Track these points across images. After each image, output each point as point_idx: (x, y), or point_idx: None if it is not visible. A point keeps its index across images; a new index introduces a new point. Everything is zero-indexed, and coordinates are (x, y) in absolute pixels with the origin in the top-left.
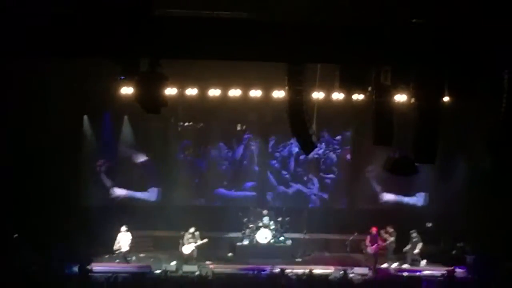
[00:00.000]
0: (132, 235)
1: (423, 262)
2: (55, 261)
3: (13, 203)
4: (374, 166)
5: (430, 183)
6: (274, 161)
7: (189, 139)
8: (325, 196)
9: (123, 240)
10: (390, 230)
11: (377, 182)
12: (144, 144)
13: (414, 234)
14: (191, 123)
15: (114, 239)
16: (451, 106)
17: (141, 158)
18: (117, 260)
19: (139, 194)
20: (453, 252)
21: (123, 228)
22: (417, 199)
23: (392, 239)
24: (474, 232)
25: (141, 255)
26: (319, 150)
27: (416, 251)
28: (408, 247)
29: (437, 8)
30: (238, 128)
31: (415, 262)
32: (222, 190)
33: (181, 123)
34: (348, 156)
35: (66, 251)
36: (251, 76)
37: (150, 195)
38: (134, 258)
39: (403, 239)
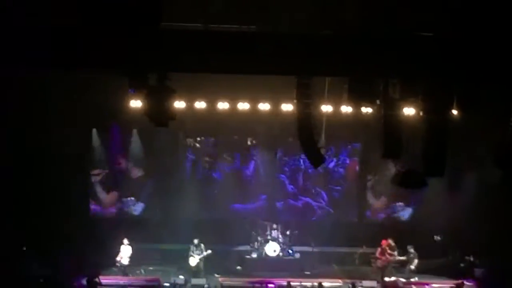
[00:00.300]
0: (140, 248)
1: (416, 278)
2: (62, 272)
3: (20, 214)
4: (381, 178)
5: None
6: (283, 175)
7: (198, 153)
8: (333, 209)
9: (124, 252)
10: (392, 244)
11: (385, 194)
12: (153, 157)
13: (412, 250)
14: (202, 138)
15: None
16: (460, 119)
17: (140, 173)
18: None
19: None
20: (462, 265)
21: (125, 241)
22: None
23: (395, 253)
24: (483, 245)
25: (150, 268)
26: (331, 163)
27: (412, 267)
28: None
29: (445, 20)
30: (249, 142)
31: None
32: (232, 204)
33: (191, 139)
34: (357, 169)
35: (73, 261)
36: (260, 89)
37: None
38: (142, 271)
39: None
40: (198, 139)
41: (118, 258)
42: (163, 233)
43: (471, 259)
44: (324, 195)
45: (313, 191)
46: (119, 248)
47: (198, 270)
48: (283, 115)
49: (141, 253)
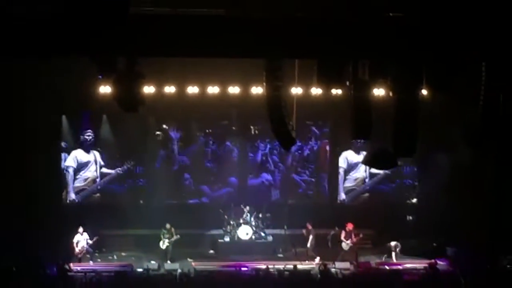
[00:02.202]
0: (112, 234)
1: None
2: (35, 261)
3: None
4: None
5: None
6: (251, 154)
7: (168, 137)
8: (305, 191)
9: (82, 241)
10: (310, 227)
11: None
12: (123, 142)
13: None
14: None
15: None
16: (430, 99)
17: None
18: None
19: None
20: (434, 244)
21: (80, 229)
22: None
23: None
24: (455, 225)
25: (123, 254)
26: (308, 146)
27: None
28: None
29: (413, 1)
30: (252, 132)
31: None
32: (206, 188)
33: (161, 124)
34: (328, 150)
35: (45, 249)
36: (229, 72)
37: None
38: (115, 257)
39: (384, 233)
40: (168, 123)
41: (76, 251)
42: (135, 219)
43: (443, 238)
44: (296, 177)
45: (284, 172)
46: (74, 240)
47: (167, 254)
48: (253, 98)
49: (113, 239)
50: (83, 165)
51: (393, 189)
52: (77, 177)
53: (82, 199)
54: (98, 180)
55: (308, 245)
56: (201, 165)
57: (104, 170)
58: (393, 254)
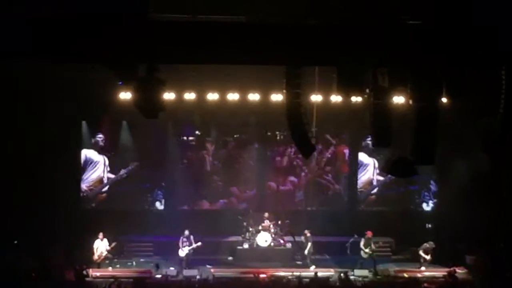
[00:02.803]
0: (131, 240)
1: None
2: (53, 265)
3: (12, 209)
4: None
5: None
6: (278, 158)
7: (188, 144)
8: (326, 198)
9: (101, 247)
10: (308, 234)
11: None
12: (143, 148)
13: (308, 234)
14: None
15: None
16: (449, 107)
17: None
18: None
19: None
20: (453, 253)
21: (100, 235)
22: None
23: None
24: (474, 232)
25: (142, 260)
26: (328, 154)
27: (305, 252)
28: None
29: (433, 9)
30: (278, 137)
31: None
32: (234, 189)
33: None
34: (346, 154)
35: (64, 254)
36: (249, 79)
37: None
38: (134, 263)
39: (403, 240)
40: (189, 129)
41: (95, 257)
42: (155, 225)
43: (462, 246)
44: (319, 179)
45: (308, 175)
46: (94, 245)
47: (186, 261)
48: (273, 105)
49: (132, 245)
50: (91, 165)
51: (400, 194)
52: (84, 177)
53: (91, 196)
54: (105, 181)
55: (306, 252)
56: (222, 171)
57: (110, 175)
58: (426, 257)
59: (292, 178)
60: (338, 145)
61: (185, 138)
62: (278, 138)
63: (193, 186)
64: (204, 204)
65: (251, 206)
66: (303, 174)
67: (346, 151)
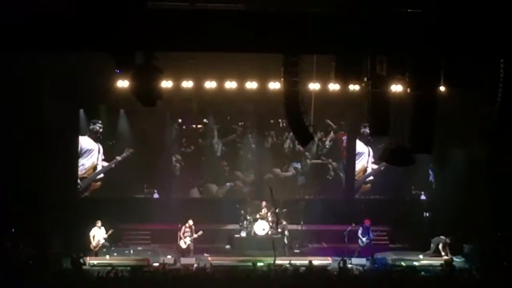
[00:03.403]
0: (129, 228)
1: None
2: (52, 255)
3: (8, 197)
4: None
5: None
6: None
7: (186, 132)
8: (322, 186)
9: (99, 235)
10: (284, 222)
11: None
12: (141, 136)
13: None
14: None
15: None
16: (447, 96)
17: (128, 153)
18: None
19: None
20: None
21: (98, 223)
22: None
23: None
24: (471, 221)
25: (139, 248)
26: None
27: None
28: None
29: None
30: (280, 125)
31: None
32: (239, 173)
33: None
34: (345, 145)
35: (61, 242)
36: (247, 68)
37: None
38: (131, 251)
39: (400, 229)
40: (186, 118)
41: (93, 245)
42: (151, 213)
43: (459, 235)
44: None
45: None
46: (91, 233)
47: (187, 251)
48: (271, 93)
49: (129, 233)
50: (86, 152)
51: (394, 182)
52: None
53: (84, 185)
54: (98, 168)
55: (285, 240)
56: (219, 159)
57: (105, 163)
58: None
59: (295, 164)
60: (337, 132)
61: (193, 126)
62: (281, 125)
63: (201, 171)
64: (213, 187)
65: (255, 189)
66: (305, 159)
67: (345, 138)
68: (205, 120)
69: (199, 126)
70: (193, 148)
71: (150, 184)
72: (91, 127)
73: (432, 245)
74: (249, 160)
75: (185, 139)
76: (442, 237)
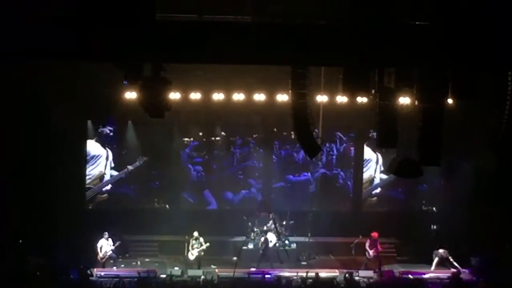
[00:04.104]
0: (136, 240)
1: None
2: (59, 266)
3: (16, 208)
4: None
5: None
6: (296, 155)
7: (193, 143)
8: (329, 198)
9: (106, 247)
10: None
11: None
12: (148, 148)
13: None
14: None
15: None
16: (455, 108)
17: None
18: (114, 267)
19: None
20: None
21: (105, 234)
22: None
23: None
24: (479, 233)
25: (146, 259)
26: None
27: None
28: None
29: (439, 9)
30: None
31: None
32: (228, 194)
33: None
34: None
35: (69, 253)
36: (255, 79)
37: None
38: (138, 263)
39: (408, 241)
40: (194, 129)
41: (100, 256)
42: (159, 224)
43: (467, 247)
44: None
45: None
46: (98, 244)
47: (197, 263)
48: (279, 105)
49: (137, 245)
50: (93, 159)
51: (401, 194)
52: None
53: (89, 196)
54: (105, 178)
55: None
56: (226, 170)
57: (113, 172)
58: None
59: (306, 174)
60: (347, 142)
61: (213, 138)
62: (292, 137)
63: (217, 180)
64: (228, 194)
65: (266, 198)
66: (315, 169)
67: (352, 149)
68: (223, 133)
69: (217, 138)
70: (207, 157)
71: (160, 195)
72: (100, 129)
73: (434, 257)
74: (260, 169)
75: (201, 150)
76: (440, 250)
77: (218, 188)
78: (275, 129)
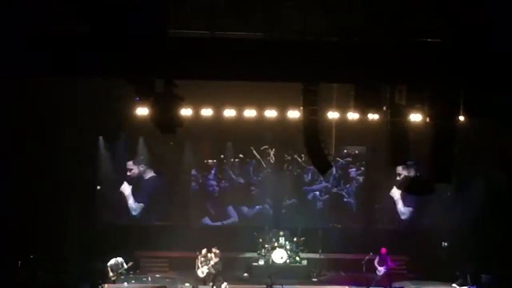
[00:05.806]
0: (148, 256)
1: None
2: (70, 281)
3: (28, 223)
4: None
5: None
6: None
7: (204, 159)
8: (341, 215)
9: (117, 268)
10: (216, 251)
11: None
12: (159, 164)
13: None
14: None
15: (129, 258)
16: (467, 125)
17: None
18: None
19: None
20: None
21: (119, 259)
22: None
23: (217, 260)
24: (490, 251)
25: (157, 275)
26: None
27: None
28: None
29: (451, 27)
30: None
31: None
32: (239, 211)
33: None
34: (363, 176)
35: (81, 268)
36: (266, 96)
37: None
38: (149, 278)
39: (418, 258)
40: (205, 145)
41: (110, 275)
42: (170, 241)
43: (478, 265)
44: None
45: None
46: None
47: (209, 280)
48: (290, 122)
49: (148, 261)
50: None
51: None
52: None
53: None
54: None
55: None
56: (238, 187)
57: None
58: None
59: (315, 190)
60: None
61: (232, 159)
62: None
63: (234, 194)
64: (244, 209)
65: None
66: (324, 187)
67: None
68: (240, 155)
69: (236, 160)
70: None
71: (170, 211)
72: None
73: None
74: (272, 186)
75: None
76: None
77: (235, 202)
78: (286, 156)
